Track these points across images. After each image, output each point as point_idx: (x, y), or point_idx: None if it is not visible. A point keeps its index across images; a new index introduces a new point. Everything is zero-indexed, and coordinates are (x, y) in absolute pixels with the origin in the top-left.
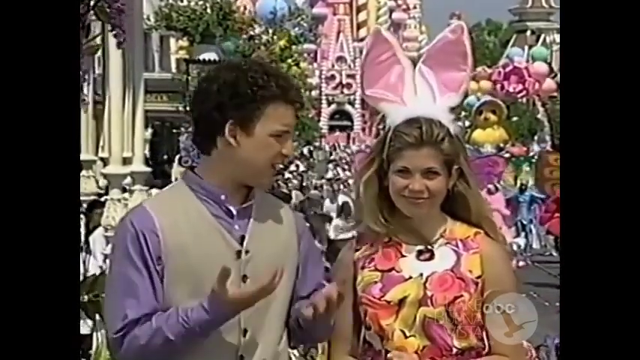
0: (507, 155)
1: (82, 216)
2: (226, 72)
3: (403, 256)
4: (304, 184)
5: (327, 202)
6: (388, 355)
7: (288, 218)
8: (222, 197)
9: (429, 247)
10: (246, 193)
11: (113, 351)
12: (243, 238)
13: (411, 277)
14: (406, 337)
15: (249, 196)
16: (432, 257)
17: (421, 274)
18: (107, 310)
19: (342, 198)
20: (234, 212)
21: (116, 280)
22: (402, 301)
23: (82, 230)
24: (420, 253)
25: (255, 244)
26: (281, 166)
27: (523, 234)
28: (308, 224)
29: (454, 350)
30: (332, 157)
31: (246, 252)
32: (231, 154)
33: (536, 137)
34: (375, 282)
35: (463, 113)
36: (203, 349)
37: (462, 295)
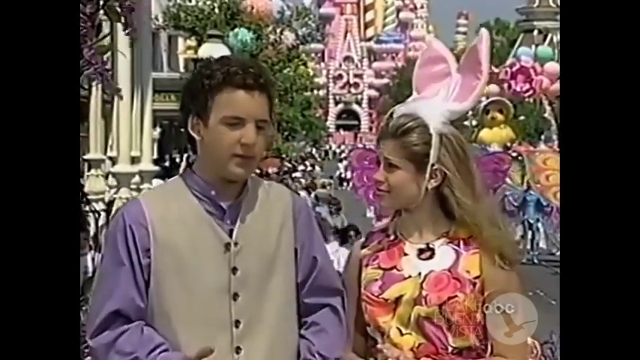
0: (515, 154)
1: (91, 214)
2: (194, 71)
3: (405, 254)
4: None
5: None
6: (378, 346)
7: (284, 201)
8: (212, 193)
9: (431, 245)
10: (240, 188)
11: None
12: (232, 231)
13: (410, 276)
14: (402, 334)
15: (242, 191)
16: (432, 256)
17: (419, 274)
18: (91, 302)
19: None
20: (225, 208)
21: (103, 272)
22: (398, 300)
23: (92, 229)
24: (420, 251)
25: (245, 236)
26: (241, 153)
27: (530, 233)
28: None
29: (450, 349)
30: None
31: (235, 244)
32: (203, 148)
33: (542, 136)
34: (376, 279)
35: (470, 112)
36: (197, 339)
37: (456, 296)
